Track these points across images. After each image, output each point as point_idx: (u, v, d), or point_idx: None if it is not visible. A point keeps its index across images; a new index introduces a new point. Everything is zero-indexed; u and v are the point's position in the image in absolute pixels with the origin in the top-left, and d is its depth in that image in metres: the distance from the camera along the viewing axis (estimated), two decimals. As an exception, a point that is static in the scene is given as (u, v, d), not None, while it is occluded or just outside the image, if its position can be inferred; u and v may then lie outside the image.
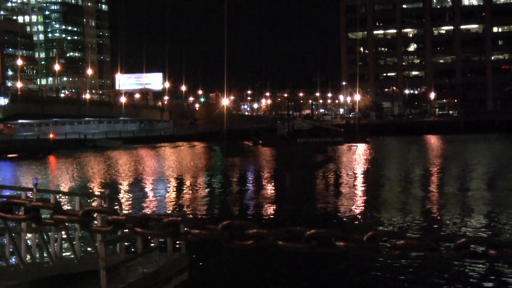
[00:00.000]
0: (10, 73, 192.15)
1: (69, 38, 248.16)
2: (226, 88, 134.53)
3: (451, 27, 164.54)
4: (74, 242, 13.56)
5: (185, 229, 2.92)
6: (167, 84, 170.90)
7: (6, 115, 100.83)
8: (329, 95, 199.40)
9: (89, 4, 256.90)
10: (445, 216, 26.95)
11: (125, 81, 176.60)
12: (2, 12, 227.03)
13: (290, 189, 41.97)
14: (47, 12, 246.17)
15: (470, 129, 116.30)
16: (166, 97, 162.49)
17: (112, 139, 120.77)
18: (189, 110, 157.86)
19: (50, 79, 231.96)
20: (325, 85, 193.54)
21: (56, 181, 49.31)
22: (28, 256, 12.78)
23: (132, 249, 17.04)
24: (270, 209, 31.19)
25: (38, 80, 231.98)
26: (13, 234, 12.15)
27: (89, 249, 17.35)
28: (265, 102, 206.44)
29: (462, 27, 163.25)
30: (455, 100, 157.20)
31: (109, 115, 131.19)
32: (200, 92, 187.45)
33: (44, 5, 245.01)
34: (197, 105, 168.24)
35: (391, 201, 32.56)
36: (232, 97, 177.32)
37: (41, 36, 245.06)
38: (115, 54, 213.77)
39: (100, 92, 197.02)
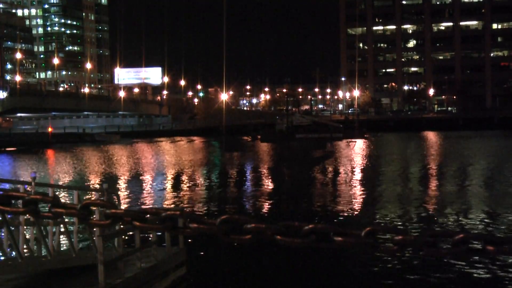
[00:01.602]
0: (9, 66, 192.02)
1: (68, 32, 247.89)
2: (225, 83, 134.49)
3: (451, 24, 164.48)
4: (72, 236, 13.57)
5: (183, 223, 2.93)
6: (166, 79, 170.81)
7: (5, 108, 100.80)
8: (328, 90, 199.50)
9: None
10: (443, 212, 26.98)
11: (124, 76, 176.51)
12: (1, 6, 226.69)
13: (288, 184, 41.99)
14: (46, 6, 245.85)
15: (469, 126, 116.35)
16: (165, 92, 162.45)
17: (111, 134, 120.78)
18: (188, 105, 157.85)
19: (49, 73, 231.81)
20: (324, 81, 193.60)
21: (55, 175, 49.31)
22: (26, 250, 12.79)
23: (130, 244, 17.04)
24: (268, 204, 31.21)
25: (37, 74, 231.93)
26: (11, 228, 12.15)
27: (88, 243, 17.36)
28: (264, 97, 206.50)
29: (461, 23, 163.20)
30: (454, 97, 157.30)
31: (108, 109, 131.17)
32: (199, 87, 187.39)
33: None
34: (196, 100, 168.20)
35: (390, 197, 32.59)
36: (231, 92, 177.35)
37: (40, 30, 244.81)
38: (114, 48, 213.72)
39: (99, 86, 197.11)
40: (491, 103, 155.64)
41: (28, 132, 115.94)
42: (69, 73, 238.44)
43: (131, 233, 15.81)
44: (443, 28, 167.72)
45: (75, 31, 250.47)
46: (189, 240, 18.19)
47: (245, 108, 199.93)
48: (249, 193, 35.89)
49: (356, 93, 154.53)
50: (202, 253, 19.15)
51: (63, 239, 14.92)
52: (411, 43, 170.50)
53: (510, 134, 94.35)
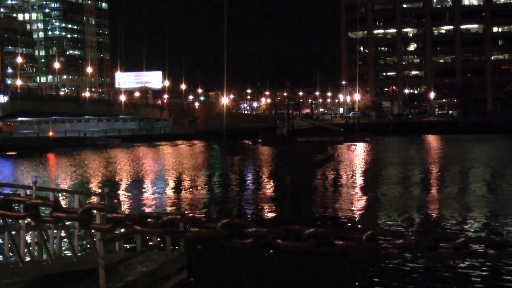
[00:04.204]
0: (10, 71, 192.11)
1: (69, 36, 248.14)
2: (226, 87, 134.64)
3: (451, 27, 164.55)
4: (73, 240, 13.56)
5: (184, 227, 2.93)
6: (167, 83, 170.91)
7: (6, 112, 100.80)
8: (329, 94, 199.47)
9: (89, 2, 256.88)
10: (444, 216, 26.95)
11: (124, 79, 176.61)
12: (2, 10, 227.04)
13: (289, 188, 41.97)
14: (47, 10, 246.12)
15: (470, 129, 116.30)
16: (165, 96, 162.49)
17: (112, 138, 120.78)
18: (189, 109, 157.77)
19: (50, 77, 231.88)
20: (324, 84, 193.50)
21: (56, 179, 49.30)
22: (27, 254, 12.78)
23: (131, 248, 17.03)
24: (269, 208, 31.20)
25: (38, 78, 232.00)
26: (12, 232, 12.14)
27: (88, 248, 17.34)
28: (264, 101, 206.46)
29: (462, 27, 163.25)
30: (455, 100, 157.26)
31: (108, 113, 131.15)
32: (200, 90, 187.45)
33: (44, 3, 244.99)
34: (196, 104, 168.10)
35: (390, 201, 32.55)
36: (231, 96, 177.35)
37: (41, 34, 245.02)
38: (115, 52, 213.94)
39: (100, 90, 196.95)
40: (492, 107, 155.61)
41: (29, 136, 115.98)
42: (70, 77, 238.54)
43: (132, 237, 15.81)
44: (443, 31, 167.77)
45: (75, 35, 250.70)
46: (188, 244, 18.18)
47: (245, 112, 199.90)
48: (250, 197, 35.88)
49: (357, 96, 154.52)
50: (203, 257, 19.13)
51: (64, 243, 14.91)
52: (412, 47, 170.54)
53: (511, 138, 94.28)
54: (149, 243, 15.09)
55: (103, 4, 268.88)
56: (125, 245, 14.79)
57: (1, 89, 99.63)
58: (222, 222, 2.79)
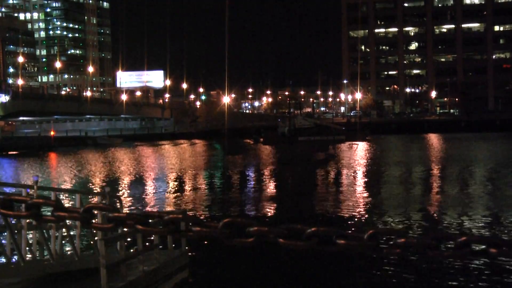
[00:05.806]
0: (11, 70, 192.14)
1: (70, 35, 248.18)
2: (227, 86, 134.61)
3: (453, 26, 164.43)
4: (75, 240, 13.56)
5: (186, 226, 2.92)
6: (168, 82, 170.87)
7: (7, 112, 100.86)
8: (330, 93, 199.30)
9: (90, 1, 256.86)
10: (446, 215, 26.94)
11: (126, 79, 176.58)
12: (3, 9, 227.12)
13: (290, 187, 41.97)
14: (48, 10, 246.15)
15: (471, 128, 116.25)
16: (167, 95, 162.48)
17: (113, 137, 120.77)
18: (190, 108, 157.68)
19: (51, 76, 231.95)
20: (326, 83, 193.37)
21: (57, 179, 49.32)
22: (29, 254, 12.79)
23: (133, 247, 17.02)
24: (271, 207, 31.19)
25: (39, 77, 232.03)
26: (14, 231, 12.15)
27: (89, 249, 17.35)
28: (266, 100, 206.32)
29: (463, 25, 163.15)
30: (456, 99, 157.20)
31: (110, 112, 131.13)
32: (201, 90, 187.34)
33: (45, 2, 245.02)
34: (198, 103, 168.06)
35: (392, 200, 32.54)
36: (233, 95, 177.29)
37: (42, 34, 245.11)
38: (116, 51, 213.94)
39: (101, 89, 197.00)
40: (493, 105, 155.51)
41: (30, 135, 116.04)
42: (71, 76, 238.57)
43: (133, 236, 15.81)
44: (445, 30, 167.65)
45: (77, 35, 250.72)
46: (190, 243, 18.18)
47: (247, 111, 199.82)
48: (251, 196, 35.88)
49: (358, 95, 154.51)
50: (204, 256, 19.13)
51: (66, 243, 14.91)
52: (413, 46, 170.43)
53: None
54: (150, 241, 15.09)
55: (104, 3, 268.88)
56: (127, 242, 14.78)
57: (2, 88, 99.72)
58: (224, 221, 2.79)
